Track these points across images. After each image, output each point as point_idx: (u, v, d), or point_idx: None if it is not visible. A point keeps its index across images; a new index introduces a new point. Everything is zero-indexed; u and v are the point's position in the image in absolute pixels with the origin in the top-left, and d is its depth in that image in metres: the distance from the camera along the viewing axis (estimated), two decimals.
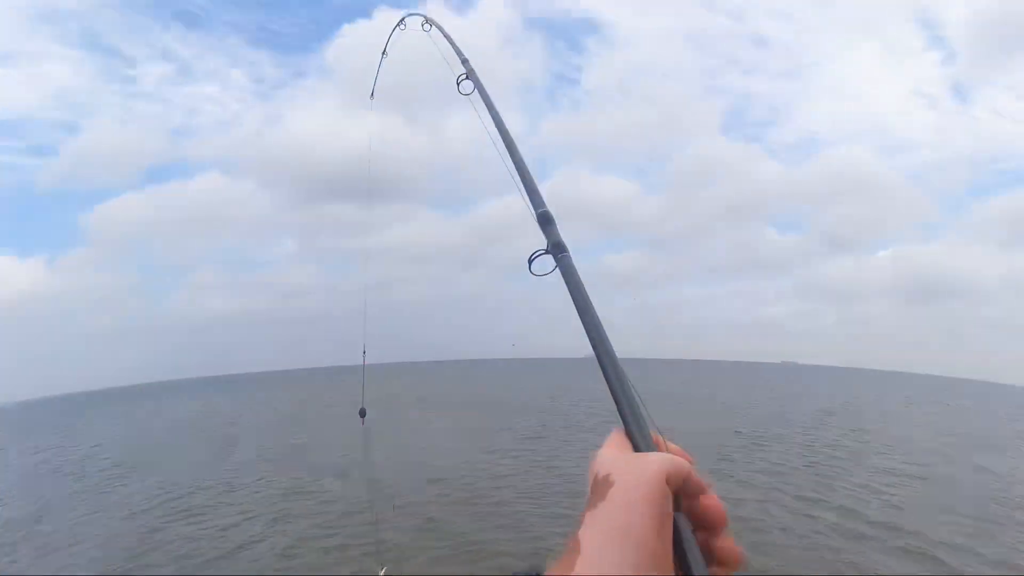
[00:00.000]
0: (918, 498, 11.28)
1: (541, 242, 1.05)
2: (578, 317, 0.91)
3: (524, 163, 1.33)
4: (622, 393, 0.79)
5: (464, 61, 1.88)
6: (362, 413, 4.43)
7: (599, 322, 0.89)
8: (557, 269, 1.00)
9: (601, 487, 0.64)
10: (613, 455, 0.68)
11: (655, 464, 0.64)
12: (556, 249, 1.03)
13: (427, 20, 2.65)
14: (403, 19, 3.53)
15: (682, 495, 0.64)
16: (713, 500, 0.66)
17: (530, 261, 1.04)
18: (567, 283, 0.96)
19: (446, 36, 2.31)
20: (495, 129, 1.48)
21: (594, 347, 0.86)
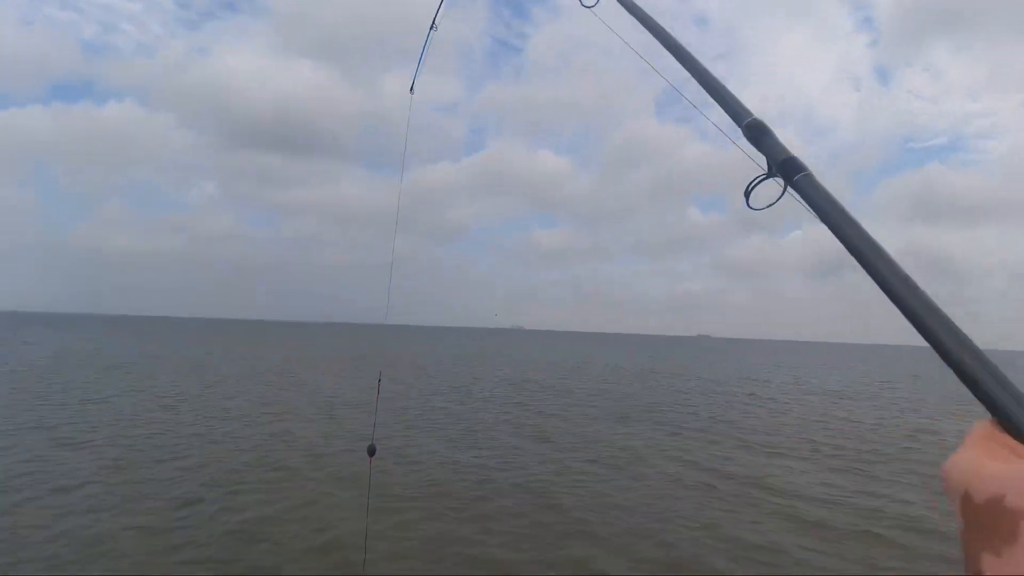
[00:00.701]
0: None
1: (742, 166, 0.85)
2: (853, 257, 0.69)
3: (707, 69, 1.02)
4: (976, 360, 0.52)
5: None
6: (371, 451, 3.41)
7: (889, 257, 0.66)
8: (787, 195, 0.79)
9: (997, 518, 0.40)
10: (994, 466, 0.43)
11: None
12: (786, 168, 0.80)
13: None
14: None
15: None
16: None
17: (747, 193, 0.84)
18: (818, 211, 0.74)
19: None
20: (644, 36, 1.15)
21: (892, 292, 0.62)
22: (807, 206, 0.76)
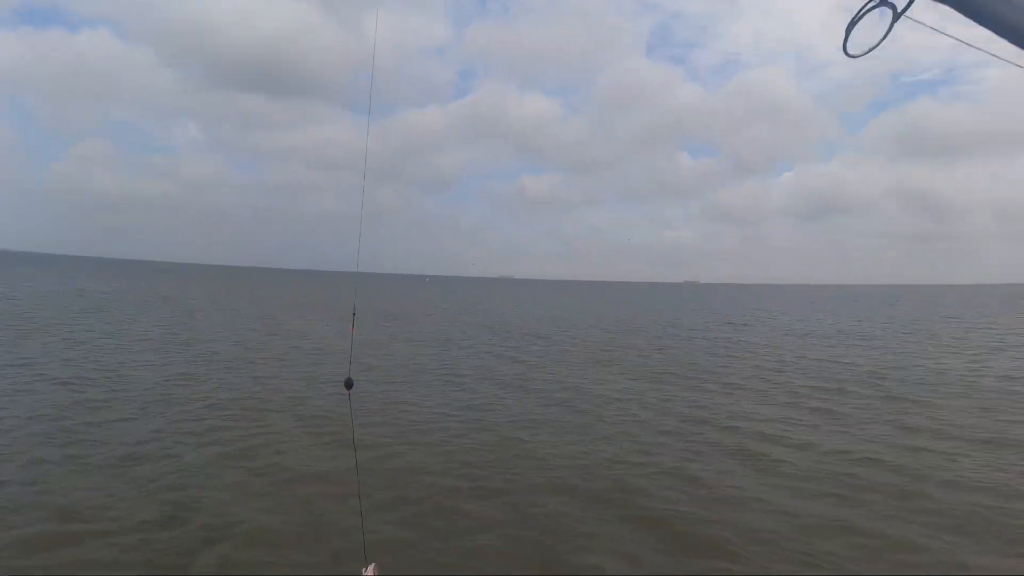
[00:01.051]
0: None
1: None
2: None
3: None
4: None
5: None
6: (348, 384, 3.58)
7: None
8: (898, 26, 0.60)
9: None
10: None
11: None
12: None
13: None
14: None
15: None
16: None
17: (849, 28, 0.73)
18: (980, 16, 0.58)
19: None
20: None
21: None
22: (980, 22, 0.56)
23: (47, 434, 8.26)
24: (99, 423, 9.02)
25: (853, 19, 0.80)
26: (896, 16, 0.76)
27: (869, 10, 0.78)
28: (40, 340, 17.06)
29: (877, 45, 0.79)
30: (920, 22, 0.75)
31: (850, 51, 0.85)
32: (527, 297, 77.49)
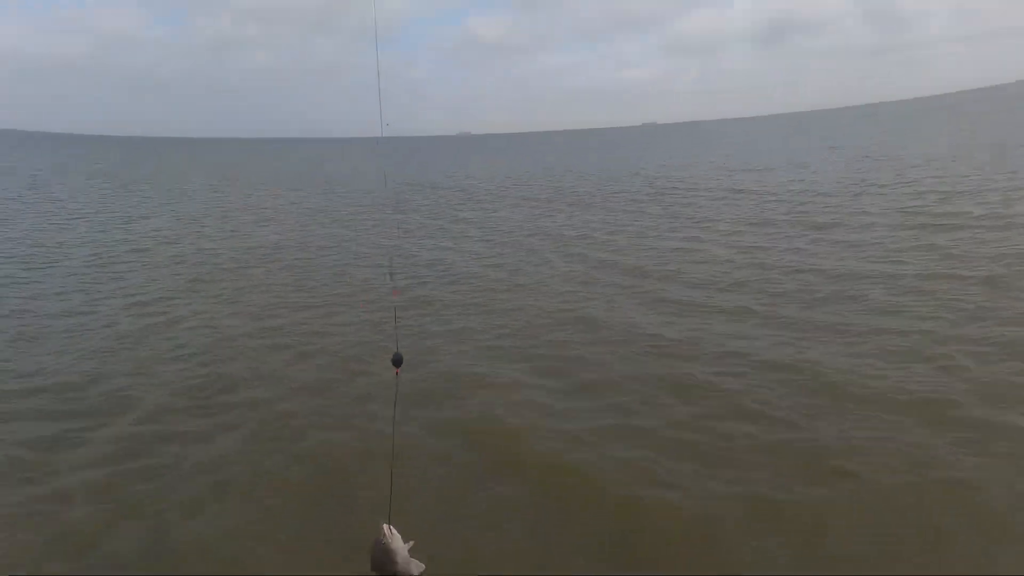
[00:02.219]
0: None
1: None
2: None
3: None
4: None
5: None
6: (397, 361, 3.14)
7: None
8: None
9: None
10: None
11: None
12: None
13: None
14: None
15: None
16: None
17: None
18: None
19: None
20: None
21: None
22: None
23: None
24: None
25: None
26: None
27: None
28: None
29: None
30: None
31: None
32: (481, 155, 74.85)
